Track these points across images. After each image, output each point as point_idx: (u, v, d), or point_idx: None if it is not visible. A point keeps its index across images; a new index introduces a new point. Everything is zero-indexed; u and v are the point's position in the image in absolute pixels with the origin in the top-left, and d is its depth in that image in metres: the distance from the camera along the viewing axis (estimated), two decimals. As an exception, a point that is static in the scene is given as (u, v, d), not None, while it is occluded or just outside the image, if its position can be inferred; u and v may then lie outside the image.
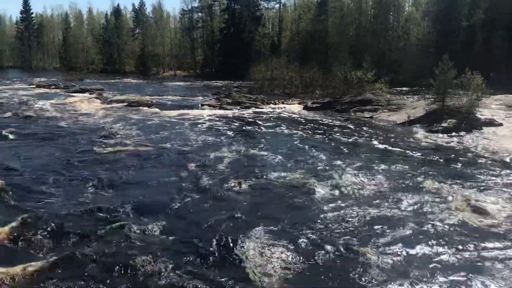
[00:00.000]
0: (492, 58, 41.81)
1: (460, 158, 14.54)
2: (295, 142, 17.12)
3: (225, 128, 20.62)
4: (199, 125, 21.11)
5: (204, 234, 8.06)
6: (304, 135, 18.89)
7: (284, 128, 20.52)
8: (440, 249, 7.71)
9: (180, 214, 9.12)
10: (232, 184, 11.04)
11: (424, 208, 9.65)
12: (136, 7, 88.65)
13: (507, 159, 14.26)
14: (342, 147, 16.17)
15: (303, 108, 28.15)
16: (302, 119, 23.73)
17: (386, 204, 9.89)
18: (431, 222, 8.85)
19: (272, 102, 30.70)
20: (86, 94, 35.63)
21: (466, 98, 21.01)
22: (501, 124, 20.00)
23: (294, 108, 28.66)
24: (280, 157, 14.10)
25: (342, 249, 7.62)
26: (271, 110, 27.69)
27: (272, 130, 20.10)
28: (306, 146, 16.13)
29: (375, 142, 17.17)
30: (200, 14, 76.07)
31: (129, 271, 6.75)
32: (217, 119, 23.53)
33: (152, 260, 7.00)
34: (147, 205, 9.50)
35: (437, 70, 21.43)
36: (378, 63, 42.12)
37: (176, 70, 75.44)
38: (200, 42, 76.28)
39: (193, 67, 74.35)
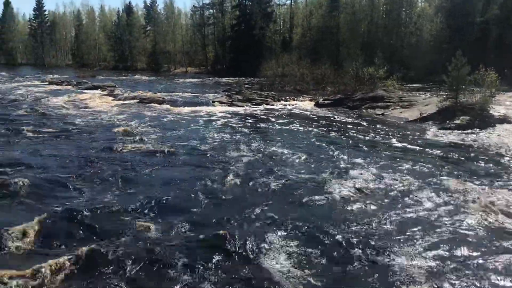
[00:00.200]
0: (506, 54, 41.19)
1: (479, 156, 14.25)
2: (312, 140, 16.93)
3: (239, 125, 20.53)
4: (213, 122, 21.01)
5: (229, 233, 7.89)
6: (320, 132, 18.72)
7: (298, 125, 20.35)
8: (474, 253, 7.43)
9: (204, 214, 8.98)
10: (254, 184, 10.86)
11: (452, 209, 9.32)
12: (148, 4, 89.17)
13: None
14: (359, 145, 15.97)
15: (315, 105, 28.06)
16: (314, 116, 23.61)
17: (413, 204, 9.60)
18: (461, 224, 8.57)
19: (283, 98, 30.64)
20: (98, 91, 35.84)
21: (479, 95, 20.77)
22: (515, 121, 19.76)
23: (305, 105, 28.57)
24: (300, 155, 13.84)
25: (368, 252, 7.41)
26: (282, 106, 27.63)
27: (287, 127, 19.90)
28: (324, 144, 15.93)
29: (393, 140, 16.88)
30: (211, 10, 76.31)
31: (151, 270, 6.73)
32: (230, 116, 23.44)
33: (173, 260, 6.96)
34: (170, 205, 9.39)
35: (450, 67, 21.22)
36: (390, 59, 41.80)
37: (187, 67, 75.67)
38: (211, 38, 76.38)
39: (204, 63, 74.52)
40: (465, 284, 6.52)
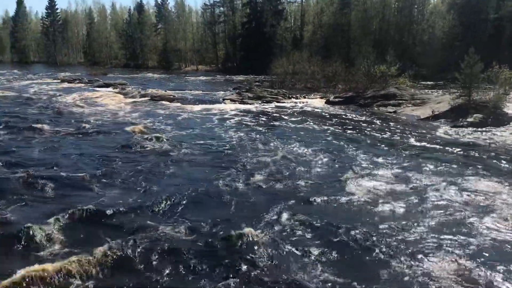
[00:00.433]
0: (520, 51, 40.71)
1: (499, 155, 14.03)
2: (328, 139, 16.81)
3: (253, 123, 20.47)
4: (227, 121, 20.97)
5: (252, 233, 7.87)
6: (335, 130, 18.59)
7: (312, 123, 20.26)
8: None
9: (225, 214, 8.90)
10: (275, 183, 10.76)
11: (481, 210, 9.11)
12: (159, 2, 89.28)
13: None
14: (377, 144, 15.83)
15: (325, 103, 27.96)
16: (326, 114, 23.51)
17: (440, 205, 9.39)
18: (493, 226, 8.39)
19: (294, 96, 30.57)
20: (110, 89, 36.07)
21: (493, 93, 20.54)
22: (529, 119, 19.50)
23: (316, 102, 28.48)
24: (319, 154, 13.69)
25: (399, 255, 7.24)
26: (293, 104, 27.56)
27: (301, 125, 19.80)
28: (341, 143, 15.81)
29: (411, 139, 16.70)
30: (222, 8, 76.19)
31: (170, 269, 6.76)
32: (242, 114, 23.41)
33: (193, 258, 7.00)
34: (190, 204, 9.35)
35: (463, 64, 21.02)
36: (402, 57, 41.45)
37: (198, 65, 75.78)
38: (222, 36, 76.39)
39: (215, 61, 74.55)
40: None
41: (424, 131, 18.51)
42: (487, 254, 7.33)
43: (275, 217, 8.67)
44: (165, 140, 15.72)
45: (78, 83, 42.34)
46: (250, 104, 27.26)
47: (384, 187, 10.50)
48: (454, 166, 12.54)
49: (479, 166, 12.60)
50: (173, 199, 9.48)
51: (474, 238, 7.90)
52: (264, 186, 10.63)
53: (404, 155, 13.96)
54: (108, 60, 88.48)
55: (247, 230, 7.86)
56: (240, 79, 50.60)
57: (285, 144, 15.32)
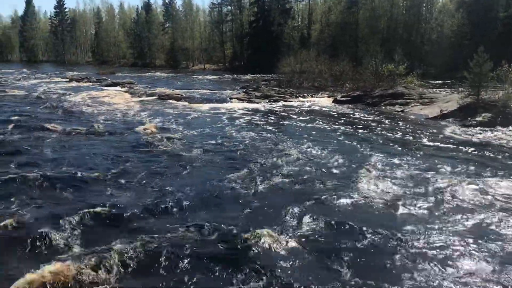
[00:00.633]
0: (530, 50, 40.33)
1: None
2: (340, 138, 16.67)
3: (262, 122, 20.42)
4: (237, 120, 20.95)
5: (271, 233, 7.82)
6: (346, 130, 18.45)
7: (321, 123, 20.16)
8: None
9: (241, 214, 8.82)
10: (291, 184, 10.66)
11: (505, 213, 8.88)
12: (166, 1, 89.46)
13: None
14: (390, 144, 15.68)
15: (333, 102, 27.90)
16: (334, 113, 23.44)
17: (460, 207, 9.23)
18: None
19: (301, 95, 30.54)
20: (118, 88, 36.30)
21: (502, 92, 20.39)
22: (539, 119, 19.34)
23: (323, 101, 28.42)
24: (333, 155, 13.51)
25: (422, 261, 7.07)
26: (301, 103, 27.53)
27: (311, 125, 19.69)
28: (354, 143, 15.67)
29: (423, 139, 16.51)
30: (229, 7, 76.23)
31: (181, 269, 6.79)
32: (251, 113, 23.38)
33: (209, 262, 6.99)
34: (205, 204, 9.32)
35: (471, 63, 20.88)
36: (410, 55, 41.30)
37: (205, 64, 75.91)
38: (229, 35, 76.48)
39: (222, 60, 74.60)
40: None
41: (434, 131, 18.36)
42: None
43: (292, 219, 8.59)
44: (176, 140, 15.68)
45: (86, 82, 42.64)
46: (258, 103, 27.26)
47: (402, 188, 10.36)
48: (471, 167, 12.33)
49: (497, 166, 12.39)
50: (188, 200, 9.43)
51: (499, 241, 7.70)
52: (280, 187, 10.53)
53: (418, 155, 13.82)
54: (116, 59, 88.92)
55: (265, 231, 7.80)
56: (248, 78, 50.64)
57: (298, 144, 15.18)
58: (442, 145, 15.61)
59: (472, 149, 14.76)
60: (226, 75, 57.85)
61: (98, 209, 8.71)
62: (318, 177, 11.30)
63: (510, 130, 17.81)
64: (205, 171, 11.95)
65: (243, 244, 7.49)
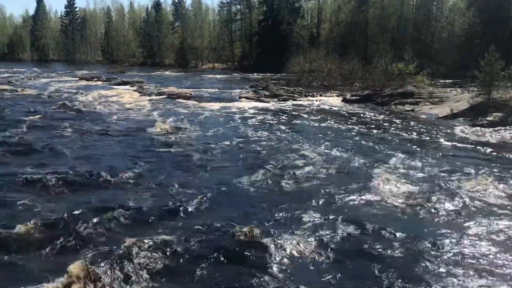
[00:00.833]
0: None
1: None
2: (355, 139, 16.40)
3: (275, 121, 20.31)
4: (249, 120, 20.85)
5: (292, 238, 7.71)
6: (360, 130, 18.25)
7: (333, 123, 20.01)
8: None
9: (263, 217, 8.67)
10: (312, 187, 10.44)
11: None
12: (176, 1, 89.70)
13: None
14: (406, 144, 15.40)
15: (342, 101, 27.81)
16: (345, 112, 23.35)
17: (490, 212, 8.90)
18: None
19: (310, 94, 30.50)
20: (128, 87, 36.46)
21: (514, 91, 20.23)
22: (551, 118, 19.12)
23: (332, 100, 28.35)
24: (352, 156, 13.31)
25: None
26: (310, 102, 27.47)
27: (324, 125, 19.55)
28: (370, 143, 15.41)
29: (440, 140, 16.23)
30: (238, 6, 76.32)
31: (209, 271, 6.75)
32: (262, 112, 23.31)
33: (226, 262, 6.99)
34: (227, 207, 9.23)
35: (482, 62, 20.70)
36: (420, 55, 41.10)
37: (214, 63, 76.12)
38: (238, 34, 76.53)
39: (231, 60, 74.69)
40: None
41: (448, 130, 18.14)
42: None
43: (312, 221, 8.42)
44: (192, 140, 15.56)
45: (96, 81, 42.97)
46: (266, 102, 27.25)
47: (423, 190, 10.15)
48: (491, 168, 12.06)
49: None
50: (206, 202, 9.34)
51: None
52: (298, 188, 10.36)
53: (435, 155, 13.62)
54: (125, 58, 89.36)
55: (286, 235, 7.70)
56: (257, 77, 50.63)
57: (314, 145, 14.95)
58: (459, 144, 15.46)
59: (490, 149, 14.57)
60: (235, 74, 57.93)
61: (117, 209, 8.69)
62: (336, 178, 11.13)
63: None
64: (223, 172, 11.77)
65: (260, 246, 7.38)
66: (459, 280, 6.49)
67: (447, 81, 39.41)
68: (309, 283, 6.42)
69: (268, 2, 66.14)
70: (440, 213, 8.94)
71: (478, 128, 18.33)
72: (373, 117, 21.77)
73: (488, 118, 19.10)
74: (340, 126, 19.29)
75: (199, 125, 18.89)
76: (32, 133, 16.42)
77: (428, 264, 6.93)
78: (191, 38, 79.17)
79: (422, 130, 18.26)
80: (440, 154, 13.90)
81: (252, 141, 15.67)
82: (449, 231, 8.05)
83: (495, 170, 11.92)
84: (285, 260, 7.02)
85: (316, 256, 7.18)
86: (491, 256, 7.16)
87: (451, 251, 7.30)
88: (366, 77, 33.56)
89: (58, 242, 7.38)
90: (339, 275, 6.65)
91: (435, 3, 54.77)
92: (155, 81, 43.14)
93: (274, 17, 64.69)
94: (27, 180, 10.34)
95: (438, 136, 17.01)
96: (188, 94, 29.97)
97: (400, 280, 6.47)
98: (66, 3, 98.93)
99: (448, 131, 18.05)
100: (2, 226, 7.86)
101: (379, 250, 7.38)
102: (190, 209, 8.96)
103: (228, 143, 15.24)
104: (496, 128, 18.01)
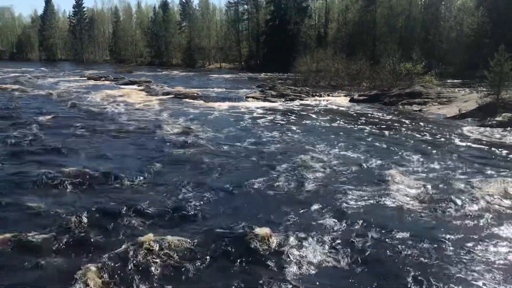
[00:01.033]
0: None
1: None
2: (368, 140, 16.24)
3: (284, 122, 20.25)
4: (259, 120, 20.78)
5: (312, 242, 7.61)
6: (372, 130, 18.12)
7: (343, 123, 19.92)
8: None
9: (279, 219, 8.57)
10: (328, 189, 10.32)
11: None
12: (183, 1, 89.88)
13: None
14: (421, 146, 15.17)
15: (349, 101, 27.75)
16: (353, 113, 23.29)
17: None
18: None
19: (317, 94, 30.45)
20: (135, 86, 36.61)
21: (523, 91, 20.09)
22: (561, 119, 18.95)
23: (339, 100, 28.30)
24: (368, 157, 13.15)
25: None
26: (317, 102, 27.43)
27: (335, 125, 19.48)
28: (384, 145, 15.23)
29: (456, 140, 16.15)
30: (245, 6, 76.29)
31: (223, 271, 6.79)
32: (271, 112, 23.29)
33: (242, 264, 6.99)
34: (244, 208, 9.21)
35: (492, 62, 20.57)
36: (428, 54, 40.89)
37: (221, 63, 76.20)
38: (245, 34, 76.57)
39: (238, 59, 74.73)
40: None
41: (458, 131, 18.05)
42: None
43: (327, 223, 8.34)
44: (203, 141, 15.43)
45: (104, 80, 43.18)
46: (273, 102, 27.25)
47: (439, 191, 10.04)
48: (506, 170, 11.94)
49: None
50: (221, 203, 9.33)
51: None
52: (316, 191, 10.18)
53: (450, 157, 13.48)
54: (133, 58, 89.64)
55: (300, 239, 7.61)
56: (264, 77, 50.64)
57: (328, 146, 14.76)
58: (469, 145, 15.41)
59: (502, 150, 14.47)
60: (242, 74, 57.98)
61: (131, 210, 8.70)
62: (352, 180, 10.99)
63: (531, 130, 17.51)
64: (237, 174, 11.65)
65: (275, 250, 7.31)
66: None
67: (456, 81, 39.17)
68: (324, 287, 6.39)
69: (276, 2, 66.06)
70: (460, 216, 8.78)
71: (487, 128, 18.22)
72: (381, 117, 21.70)
73: (497, 119, 18.98)
74: (350, 126, 19.23)
75: (209, 126, 18.78)
76: (45, 133, 16.40)
77: (450, 267, 6.83)
78: (198, 38, 79.31)
79: (432, 131, 18.14)
80: (452, 155, 13.81)
81: (264, 142, 15.55)
82: (472, 235, 7.91)
83: (508, 171, 11.79)
84: (300, 263, 6.95)
85: (333, 260, 7.09)
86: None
87: (472, 255, 7.19)
88: (373, 77, 33.48)
89: (71, 243, 7.44)
90: (357, 278, 6.60)
91: (443, 3, 54.41)
92: (162, 80, 43.23)
93: (281, 17, 64.61)
94: (41, 180, 10.38)
95: (448, 136, 16.91)
96: (195, 94, 30.04)
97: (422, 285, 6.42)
98: (74, 3, 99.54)
99: (457, 131, 17.96)
100: (16, 226, 7.94)
101: (401, 254, 7.24)
102: (204, 211, 8.90)
103: (240, 144, 15.15)
104: (505, 129, 17.89)
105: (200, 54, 79.00)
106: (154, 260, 6.87)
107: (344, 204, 9.31)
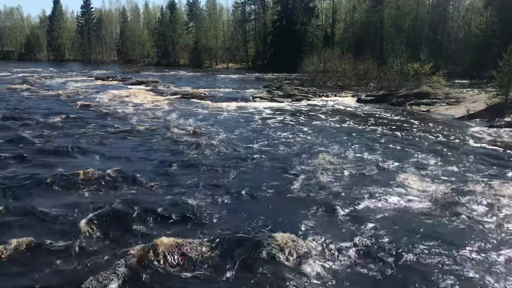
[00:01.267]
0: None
1: None
2: (382, 141, 16.06)
3: (294, 122, 20.14)
4: (268, 120, 20.74)
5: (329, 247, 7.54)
6: (383, 131, 17.98)
7: (352, 124, 19.84)
8: None
9: (300, 225, 8.39)
10: (344, 193, 10.13)
11: None
12: (191, 1, 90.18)
13: None
14: (437, 148, 14.93)
15: (357, 101, 27.73)
16: (361, 113, 23.23)
17: None
18: None
19: (324, 94, 30.45)
20: (142, 86, 36.81)
21: (532, 92, 19.98)
22: None
23: (347, 100, 28.29)
24: (385, 160, 12.98)
25: None
26: (324, 103, 27.42)
27: (345, 125, 19.43)
28: (398, 146, 15.07)
29: (470, 141, 16.03)
30: (252, 6, 76.37)
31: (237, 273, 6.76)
32: (279, 112, 23.29)
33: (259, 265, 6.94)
34: (262, 211, 9.09)
35: (500, 62, 20.49)
36: (436, 55, 40.71)
37: (228, 63, 76.31)
38: (252, 34, 76.64)
39: (245, 59, 74.84)
40: None
41: (466, 131, 17.95)
42: None
43: (343, 226, 8.30)
44: (215, 142, 15.34)
45: (111, 80, 43.47)
46: (280, 102, 27.28)
47: (457, 193, 9.97)
48: None
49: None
50: (235, 206, 9.30)
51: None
52: (331, 194, 10.05)
53: (460, 158, 13.43)
54: (140, 58, 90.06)
55: (316, 242, 7.57)
56: (271, 77, 50.66)
57: (341, 148, 14.60)
58: (478, 145, 15.35)
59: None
60: (249, 74, 58.05)
61: (144, 212, 8.75)
62: (371, 183, 10.86)
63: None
64: (250, 176, 11.54)
65: (293, 255, 7.22)
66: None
67: (464, 81, 39.03)
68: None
69: (283, 2, 66.06)
70: (482, 221, 8.63)
71: (496, 129, 18.16)
72: (390, 118, 21.64)
73: (506, 119, 18.91)
74: (360, 127, 19.14)
75: (220, 127, 18.70)
76: (57, 134, 16.48)
77: (465, 271, 6.80)
78: (205, 38, 79.53)
79: (444, 132, 18.00)
80: (468, 156, 13.68)
81: (277, 144, 15.37)
82: (480, 237, 7.86)
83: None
84: (315, 267, 6.91)
85: (349, 264, 7.03)
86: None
87: (491, 257, 7.14)
88: (381, 77, 33.44)
89: (84, 246, 7.47)
90: (372, 282, 6.60)
91: (451, 3, 54.20)
92: (170, 81, 43.40)
93: (288, 17, 64.61)
94: (54, 182, 10.46)
95: (460, 138, 16.79)
96: (203, 94, 30.15)
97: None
98: (82, 4, 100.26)
99: (468, 132, 17.87)
100: (30, 231, 7.98)
101: (429, 261, 7.12)
102: (220, 215, 8.83)
103: (253, 146, 15.00)
104: (513, 129, 17.84)
105: (207, 54, 79.21)
106: (168, 264, 6.88)
107: (365, 208, 9.19)
